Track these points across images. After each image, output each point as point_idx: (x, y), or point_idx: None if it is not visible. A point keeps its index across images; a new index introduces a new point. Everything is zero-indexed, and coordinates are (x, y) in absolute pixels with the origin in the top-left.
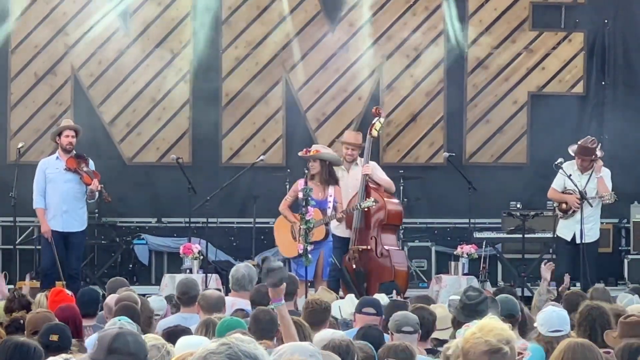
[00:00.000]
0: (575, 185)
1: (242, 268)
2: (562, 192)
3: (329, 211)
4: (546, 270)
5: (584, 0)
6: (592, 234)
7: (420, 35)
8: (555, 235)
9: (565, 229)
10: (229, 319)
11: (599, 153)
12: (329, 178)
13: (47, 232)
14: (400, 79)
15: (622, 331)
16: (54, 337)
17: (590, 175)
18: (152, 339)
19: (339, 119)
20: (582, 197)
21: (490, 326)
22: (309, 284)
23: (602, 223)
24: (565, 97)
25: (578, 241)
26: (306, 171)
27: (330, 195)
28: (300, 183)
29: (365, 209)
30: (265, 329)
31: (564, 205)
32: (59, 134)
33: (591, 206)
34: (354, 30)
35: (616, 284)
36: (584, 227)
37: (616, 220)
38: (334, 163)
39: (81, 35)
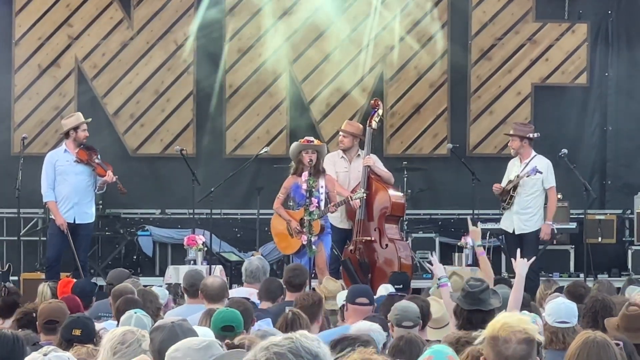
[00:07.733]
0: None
1: (255, 261)
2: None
3: (322, 204)
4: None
5: None
6: (530, 225)
7: (424, 26)
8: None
9: (506, 221)
10: (225, 310)
11: (532, 135)
12: (319, 170)
13: (63, 224)
14: (404, 71)
15: (623, 323)
16: (77, 332)
17: (527, 164)
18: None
19: (342, 111)
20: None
21: (519, 318)
22: (312, 276)
23: (606, 214)
24: (569, 88)
25: (517, 232)
26: (291, 165)
27: (322, 187)
28: (290, 180)
29: (357, 200)
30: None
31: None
32: (76, 128)
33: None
34: (358, 21)
35: (620, 275)
36: (521, 217)
37: (620, 211)
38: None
39: (85, 27)
